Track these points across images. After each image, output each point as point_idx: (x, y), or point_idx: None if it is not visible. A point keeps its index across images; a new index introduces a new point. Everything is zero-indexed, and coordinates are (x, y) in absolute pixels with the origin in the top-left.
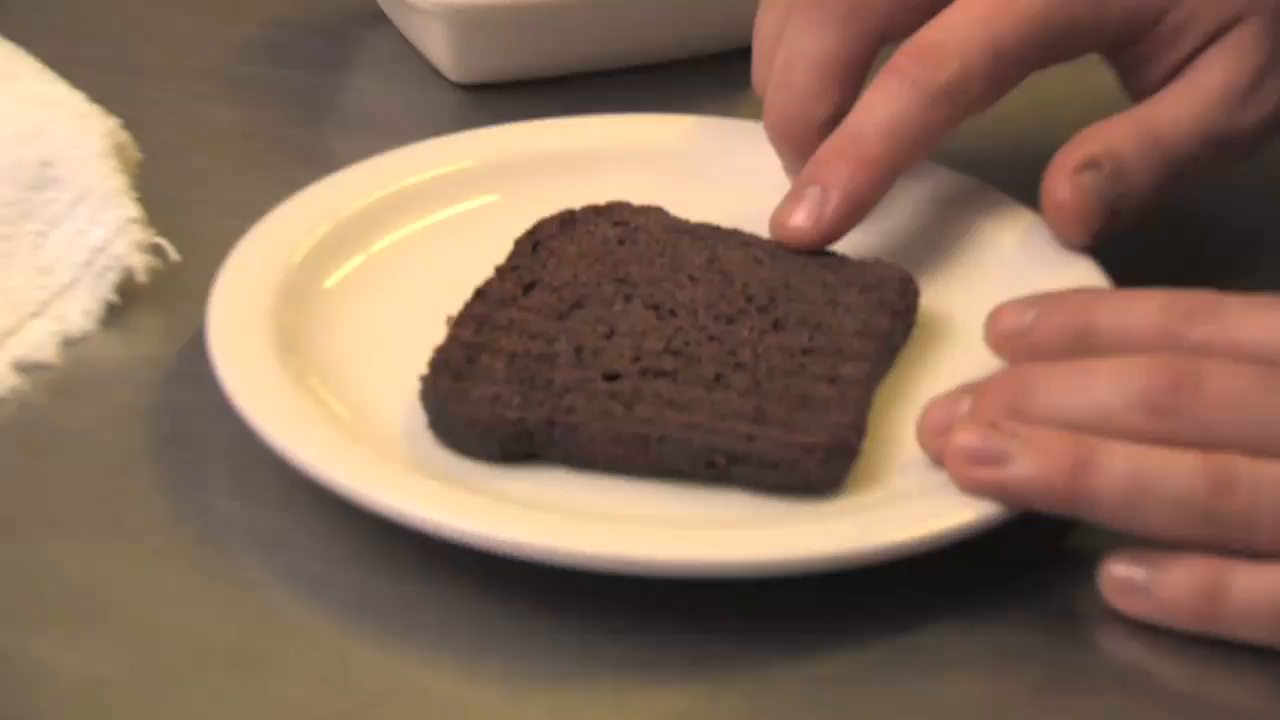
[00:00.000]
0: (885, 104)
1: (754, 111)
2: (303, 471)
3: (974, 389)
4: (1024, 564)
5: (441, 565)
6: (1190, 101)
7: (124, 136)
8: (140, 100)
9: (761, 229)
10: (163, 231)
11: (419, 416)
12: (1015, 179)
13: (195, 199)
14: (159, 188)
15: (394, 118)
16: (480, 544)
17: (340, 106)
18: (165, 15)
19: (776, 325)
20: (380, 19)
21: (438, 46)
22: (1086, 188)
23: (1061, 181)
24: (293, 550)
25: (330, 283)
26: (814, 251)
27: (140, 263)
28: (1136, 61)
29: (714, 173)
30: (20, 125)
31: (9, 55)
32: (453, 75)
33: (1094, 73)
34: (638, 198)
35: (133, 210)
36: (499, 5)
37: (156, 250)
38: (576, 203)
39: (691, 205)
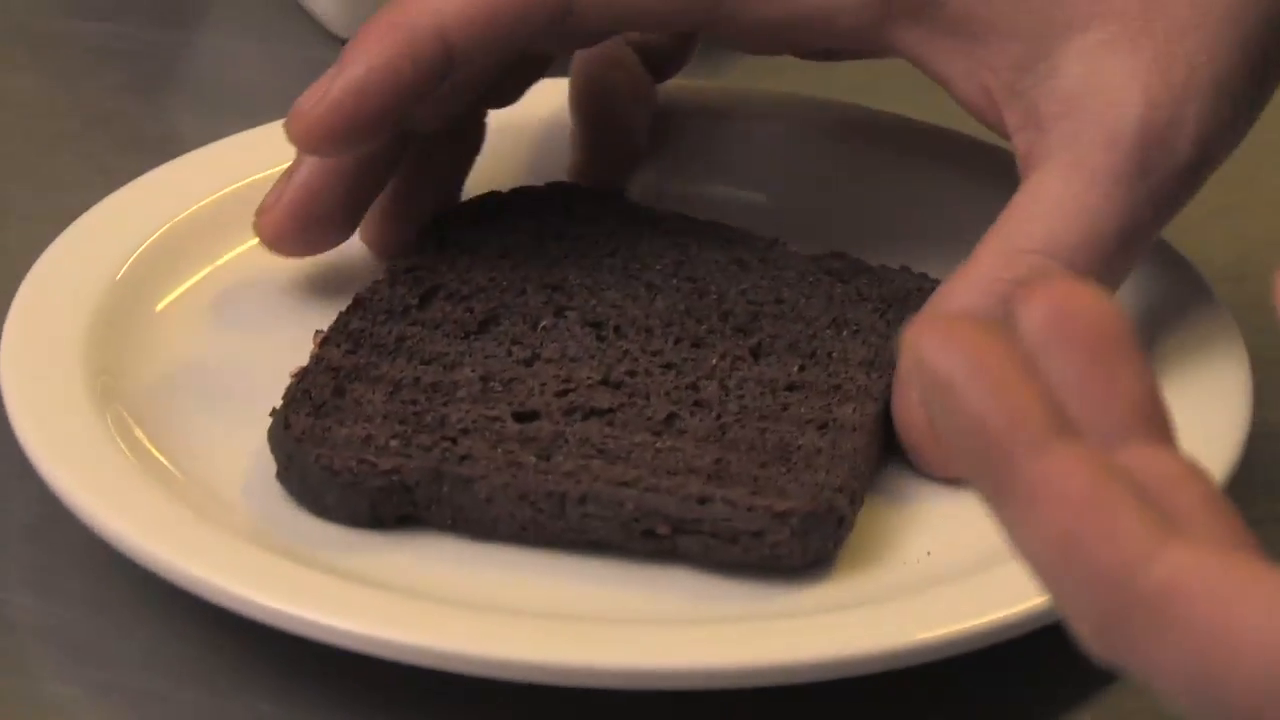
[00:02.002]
0: None
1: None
2: (121, 550)
3: None
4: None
5: (306, 672)
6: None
7: None
8: None
9: (752, 220)
10: None
11: (267, 466)
12: None
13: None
14: None
15: (258, 87)
16: (347, 643)
17: (187, 73)
18: None
19: (757, 352)
20: None
21: None
22: None
23: None
24: (109, 658)
25: (161, 305)
26: (820, 256)
27: None
28: None
29: (684, 144)
30: None
31: None
32: (338, 29)
33: None
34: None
35: None
36: None
37: None
38: (480, 190)
39: (657, 189)
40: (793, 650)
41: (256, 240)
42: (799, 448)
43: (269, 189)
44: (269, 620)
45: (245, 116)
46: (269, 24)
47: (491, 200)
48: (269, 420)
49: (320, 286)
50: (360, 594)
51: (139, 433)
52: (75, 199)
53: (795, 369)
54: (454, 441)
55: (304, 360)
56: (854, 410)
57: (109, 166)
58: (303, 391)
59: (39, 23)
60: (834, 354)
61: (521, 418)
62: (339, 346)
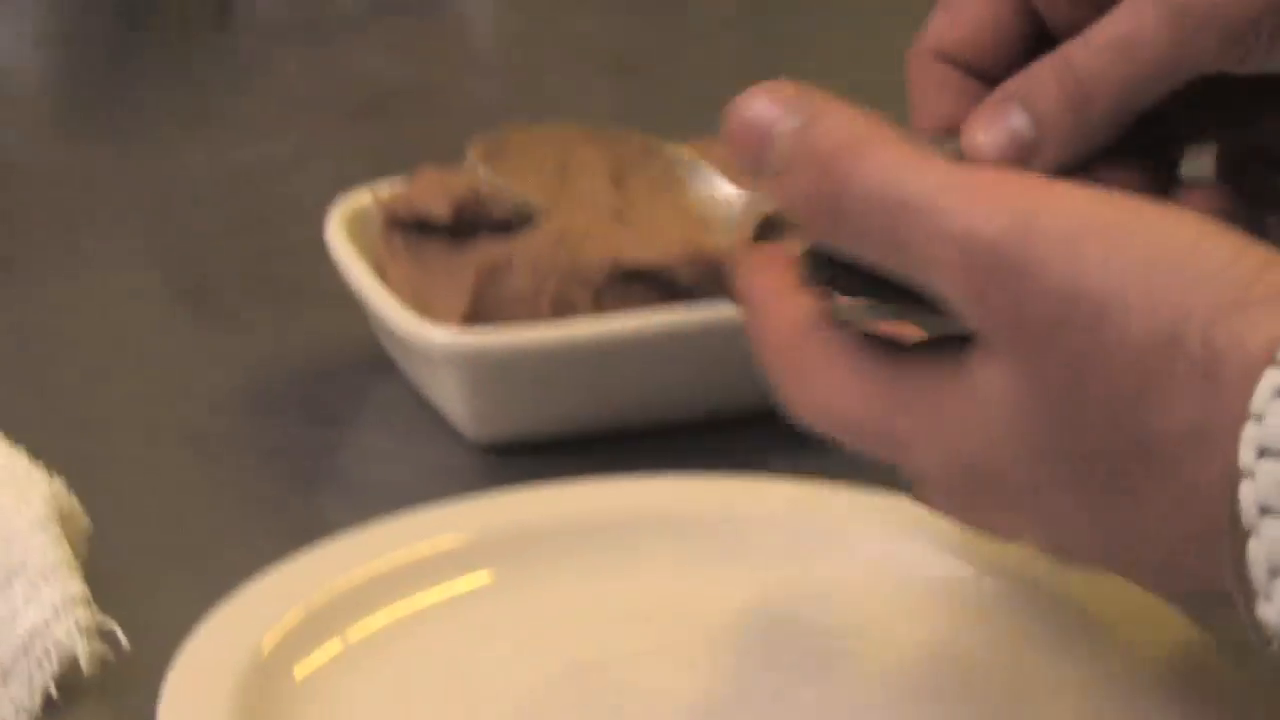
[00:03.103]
0: None
1: (826, 469)
2: None
3: None
4: None
5: None
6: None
7: (70, 501)
8: (92, 459)
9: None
10: (112, 613)
11: None
12: None
13: (153, 575)
14: (110, 561)
15: (402, 482)
16: None
17: (337, 468)
18: (126, 363)
19: None
20: (388, 366)
21: (453, 398)
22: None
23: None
24: None
25: (302, 676)
26: None
27: (85, 649)
28: None
29: (757, 545)
30: None
31: None
32: (471, 432)
33: None
34: (661, 576)
35: (77, 587)
36: (522, 348)
37: (105, 635)
38: (584, 583)
39: (728, 587)
40: None
41: (380, 616)
42: None
43: (406, 571)
44: None
45: (386, 508)
46: (413, 427)
47: None
48: None
49: (436, 672)
50: None
51: None
52: (233, 580)
53: None
54: None
55: None
56: None
57: (265, 551)
58: None
59: (206, 421)
60: None
61: None
62: None
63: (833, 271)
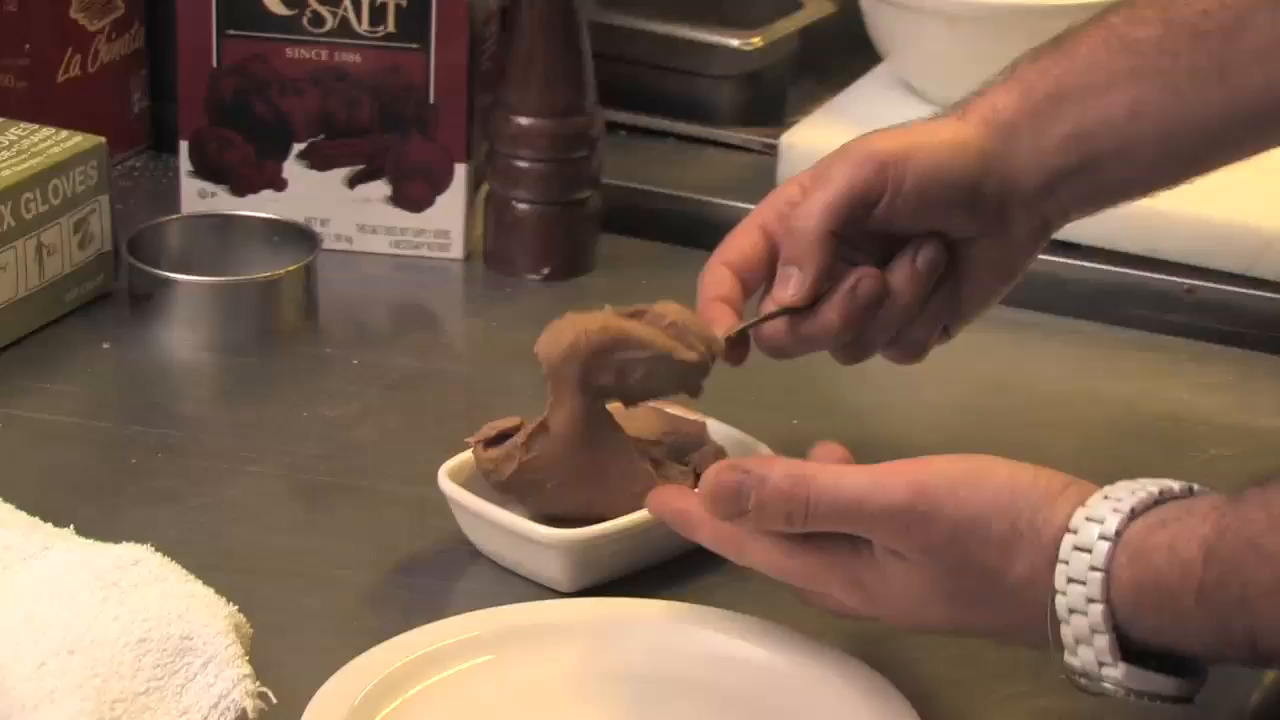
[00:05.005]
0: None
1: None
2: None
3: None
4: None
5: None
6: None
7: (241, 619)
8: (254, 595)
9: None
10: (266, 682)
11: None
12: None
13: (290, 659)
14: (264, 653)
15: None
16: None
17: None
18: (276, 542)
19: None
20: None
21: (551, 566)
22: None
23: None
24: None
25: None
26: None
27: (251, 706)
28: None
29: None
30: (168, 610)
31: (163, 563)
32: (565, 588)
33: None
34: (615, 660)
35: (246, 669)
36: (621, 531)
37: (262, 696)
38: (581, 665)
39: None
40: None
41: (429, 683)
42: None
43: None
44: None
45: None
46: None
47: None
48: None
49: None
50: None
51: None
52: (333, 664)
53: None
54: None
55: None
56: None
57: (357, 645)
58: None
59: (336, 573)
60: None
61: None
62: None
63: None
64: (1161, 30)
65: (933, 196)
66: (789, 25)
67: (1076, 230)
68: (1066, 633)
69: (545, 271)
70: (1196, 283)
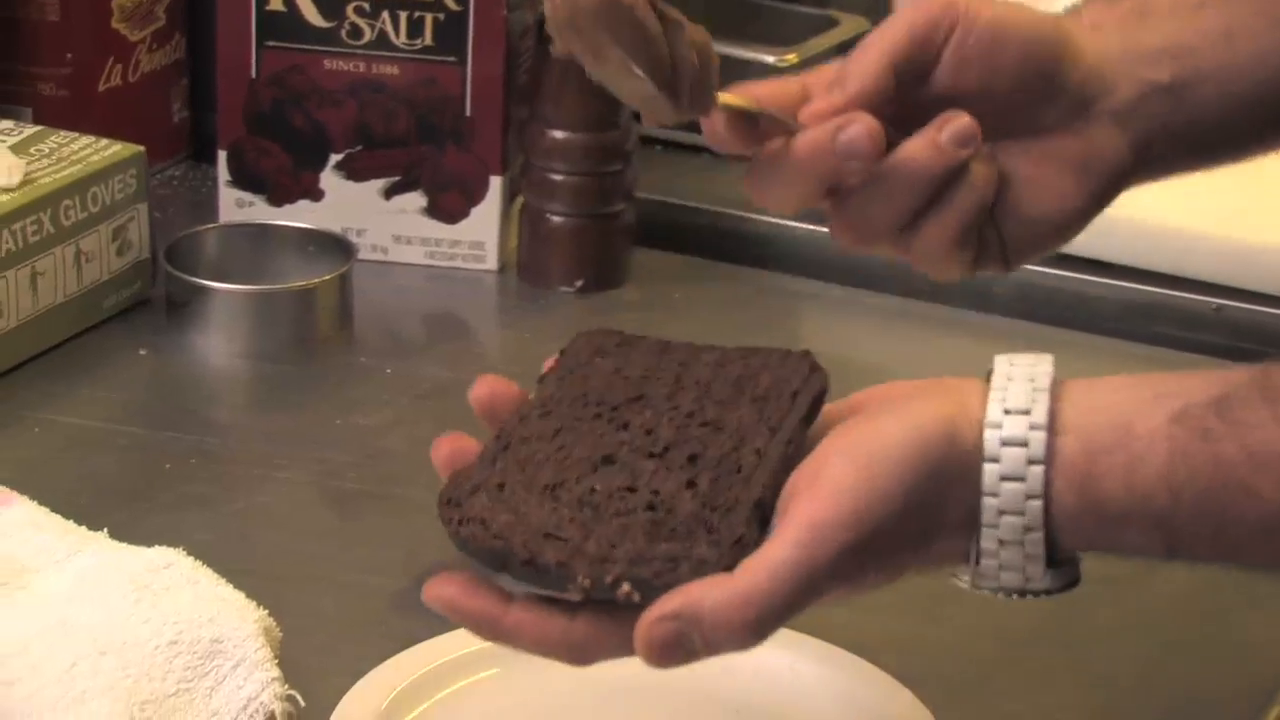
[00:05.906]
0: None
1: None
2: None
3: None
4: None
5: None
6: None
7: (270, 623)
8: (284, 600)
9: None
10: (294, 685)
11: None
12: None
13: (318, 663)
14: (292, 657)
15: None
16: None
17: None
18: (308, 547)
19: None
20: None
21: None
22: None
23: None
24: None
25: None
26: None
27: (279, 708)
28: None
29: None
30: (198, 613)
31: (194, 567)
32: None
33: None
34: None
35: (275, 673)
36: None
37: (291, 700)
38: (578, 678)
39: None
40: None
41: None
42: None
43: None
44: None
45: None
46: None
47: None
48: None
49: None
50: None
51: None
52: (359, 670)
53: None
54: None
55: None
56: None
57: (386, 651)
58: None
59: (368, 606)
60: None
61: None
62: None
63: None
64: None
65: (1007, 57)
66: (824, 42)
67: (1106, 248)
68: (988, 537)
69: (578, 284)
70: (1225, 302)
